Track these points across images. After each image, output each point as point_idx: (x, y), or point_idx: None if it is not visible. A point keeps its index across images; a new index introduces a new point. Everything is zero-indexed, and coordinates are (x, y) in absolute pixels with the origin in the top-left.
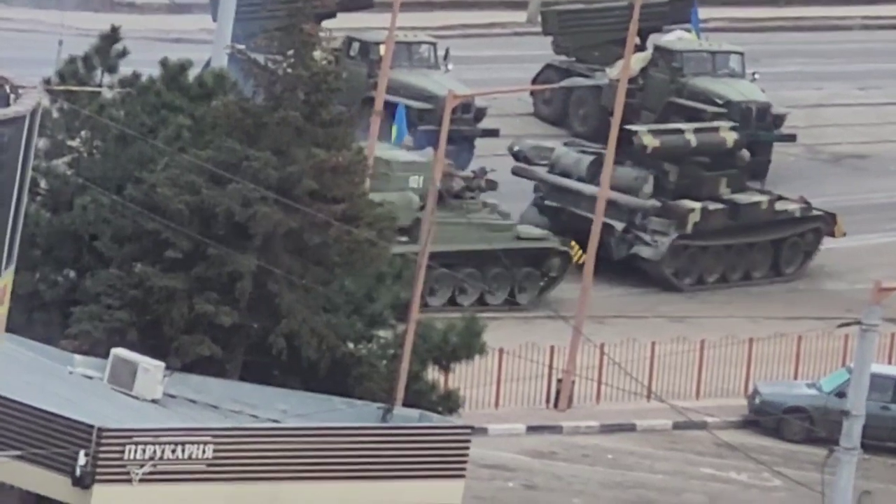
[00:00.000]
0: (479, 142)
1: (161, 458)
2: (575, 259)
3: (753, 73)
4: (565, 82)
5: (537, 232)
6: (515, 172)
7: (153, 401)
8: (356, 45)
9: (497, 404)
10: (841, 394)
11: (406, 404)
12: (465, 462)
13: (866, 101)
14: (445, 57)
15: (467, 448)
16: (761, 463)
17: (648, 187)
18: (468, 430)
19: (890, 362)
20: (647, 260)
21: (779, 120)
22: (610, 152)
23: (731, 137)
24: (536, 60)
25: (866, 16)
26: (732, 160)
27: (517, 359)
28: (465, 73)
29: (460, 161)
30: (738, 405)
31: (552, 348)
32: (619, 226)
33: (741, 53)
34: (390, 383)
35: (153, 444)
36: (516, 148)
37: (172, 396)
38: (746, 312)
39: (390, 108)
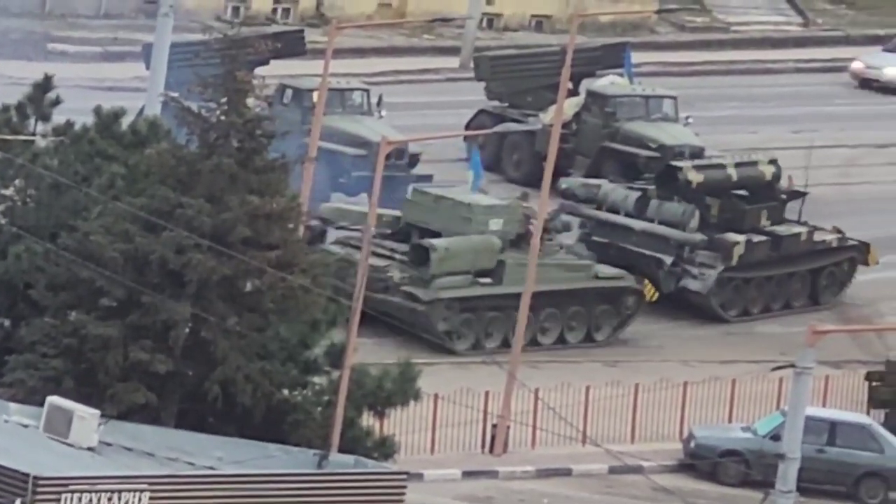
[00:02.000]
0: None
1: None
2: (648, 297)
3: (687, 118)
4: (498, 128)
5: (613, 271)
6: (565, 210)
7: (89, 448)
8: (289, 92)
9: (432, 450)
10: (776, 437)
11: (341, 450)
12: None
13: (800, 145)
14: (378, 103)
15: (403, 494)
16: None
17: (695, 221)
18: (404, 476)
19: (825, 405)
20: (696, 293)
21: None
22: (544, 196)
23: (769, 171)
24: (469, 106)
25: (799, 59)
26: (771, 193)
27: (452, 404)
28: (399, 118)
29: (392, 207)
30: (673, 449)
31: (487, 393)
32: (667, 260)
33: (674, 98)
34: (325, 430)
35: (89, 491)
36: (564, 185)
37: (108, 444)
38: (680, 356)
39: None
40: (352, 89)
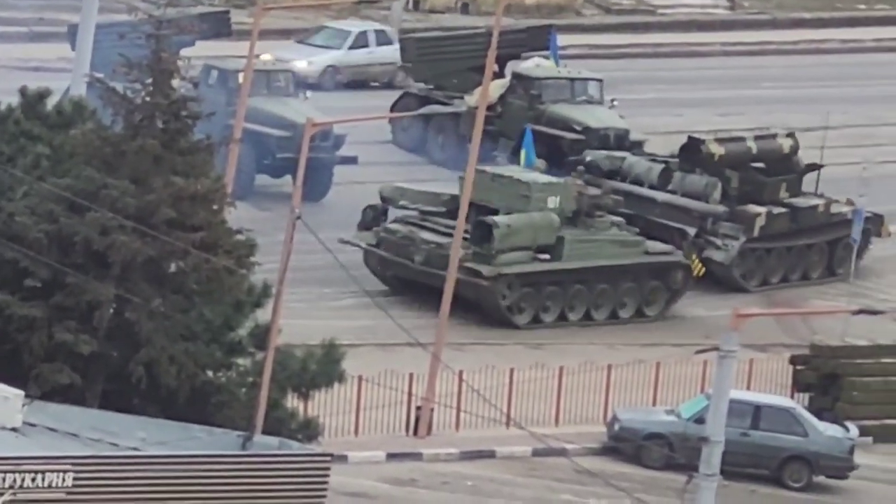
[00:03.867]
0: (337, 169)
1: (21, 487)
2: (696, 272)
3: (612, 100)
4: (423, 110)
5: (663, 247)
6: (589, 183)
7: (12, 429)
8: (215, 74)
9: (357, 432)
10: (700, 420)
11: (265, 432)
12: (324, 490)
13: (727, 128)
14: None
15: (327, 476)
16: (621, 490)
17: (718, 193)
18: (328, 458)
19: (749, 388)
20: (719, 263)
21: (637, 146)
22: (469, 178)
23: (787, 144)
24: (395, 88)
25: (725, 42)
26: (789, 165)
27: (376, 386)
28: (324, 100)
29: (318, 189)
30: (597, 432)
31: (411, 376)
32: (691, 231)
33: (600, 80)
34: (250, 411)
35: (13, 472)
36: (588, 158)
37: (32, 425)
38: (605, 339)
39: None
40: (277, 71)
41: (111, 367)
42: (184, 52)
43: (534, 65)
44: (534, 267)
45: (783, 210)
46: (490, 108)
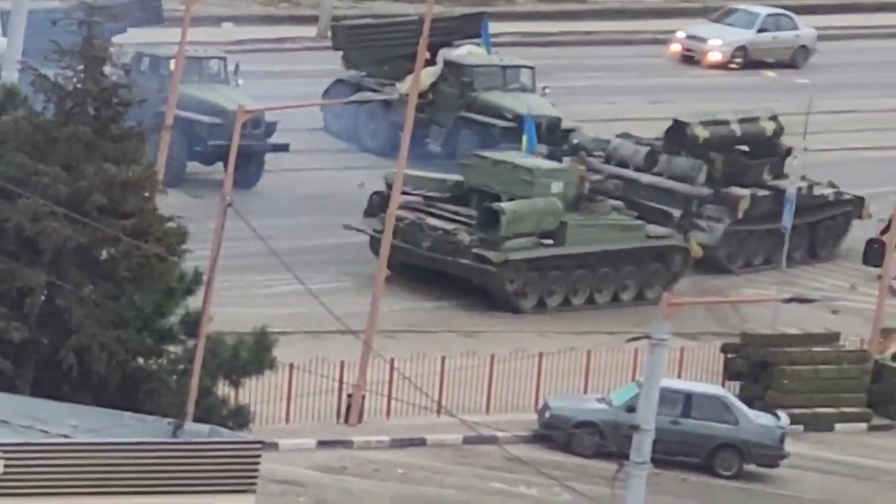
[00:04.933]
0: (268, 156)
1: None
2: (694, 254)
3: (544, 88)
4: (355, 97)
5: (663, 230)
6: (589, 168)
7: None
8: (147, 60)
9: (288, 419)
10: (631, 408)
11: (196, 420)
12: (255, 477)
13: (658, 116)
14: (235, 72)
15: (258, 463)
16: (552, 478)
17: (702, 176)
18: (259, 445)
19: (680, 377)
20: (704, 245)
21: (566, 134)
22: (401, 165)
23: (770, 127)
24: (327, 75)
25: (657, 30)
26: (772, 148)
27: (307, 374)
28: (256, 87)
29: (249, 176)
30: (528, 420)
31: (342, 363)
32: (676, 213)
33: (532, 68)
34: (181, 398)
35: None
36: (576, 140)
37: None
38: (536, 327)
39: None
40: (209, 58)
41: (42, 355)
42: (116, 38)
43: (466, 52)
44: (539, 252)
45: (767, 192)
46: (422, 95)
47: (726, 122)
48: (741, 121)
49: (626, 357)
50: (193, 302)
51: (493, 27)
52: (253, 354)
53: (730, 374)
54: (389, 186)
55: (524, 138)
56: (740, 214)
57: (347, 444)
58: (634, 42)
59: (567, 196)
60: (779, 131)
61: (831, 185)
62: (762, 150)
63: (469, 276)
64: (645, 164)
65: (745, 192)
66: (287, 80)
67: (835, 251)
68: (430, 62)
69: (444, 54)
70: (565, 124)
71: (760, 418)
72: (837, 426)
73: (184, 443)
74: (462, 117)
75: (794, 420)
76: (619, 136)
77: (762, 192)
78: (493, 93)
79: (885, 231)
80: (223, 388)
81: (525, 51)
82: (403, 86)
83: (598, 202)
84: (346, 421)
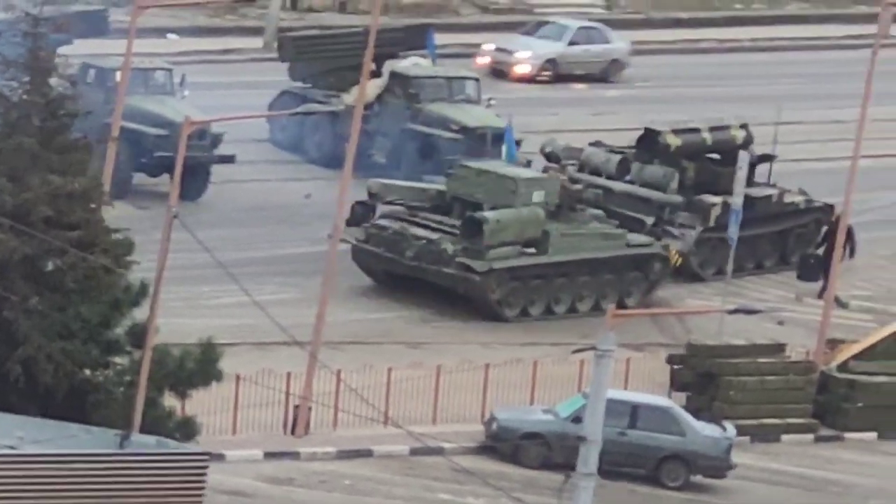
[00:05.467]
0: (214, 168)
1: None
2: (673, 262)
3: (489, 99)
4: (301, 109)
5: (643, 238)
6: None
7: None
8: (92, 72)
9: (234, 431)
10: (577, 419)
11: (143, 431)
12: (202, 488)
13: (601, 127)
14: (181, 83)
15: (205, 474)
16: (499, 489)
17: (675, 184)
18: (205, 457)
19: (626, 388)
20: (680, 252)
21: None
22: (346, 177)
23: (740, 135)
24: (273, 86)
25: None
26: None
27: (254, 385)
28: (202, 99)
29: (195, 187)
30: (475, 431)
31: (289, 374)
32: (649, 220)
33: (477, 79)
34: (127, 410)
35: None
36: (548, 149)
37: None
38: (481, 338)
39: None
40: (155, 69)
41: None
42: (61, 50)
43: (411, 64)
44: (522, 261)
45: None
46: (367, 106)
47: (697, 131)
48: (712, 129)
49: (573, 368)
50: (140, 313)
51: (439, 38)
52: (199, 366)
53: (676, 385)
54: (372, 196)
55: (503, 148)
56: (712, 222)
57: (294, 456)
58: None
59: (549, 205)
60: (749, 140)
61: (801, 192)
62: (733, 157)
63: (453, 285)
64: (617, 172)
65: (717, 199)
66: (233, 91)
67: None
68: (376, 74)
69: (389, 66)
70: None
71: (707, 429)
72: (784, 437)
73: (131, 454)
74: (408, 129)
75: (741, 431)
76: (591, 144)
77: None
78: (438, 104)
79: (820, 245)
80: (170, 400)
81: (470, 62)
82: (349, 97)
83: (579, 211)
84: (293, 432)
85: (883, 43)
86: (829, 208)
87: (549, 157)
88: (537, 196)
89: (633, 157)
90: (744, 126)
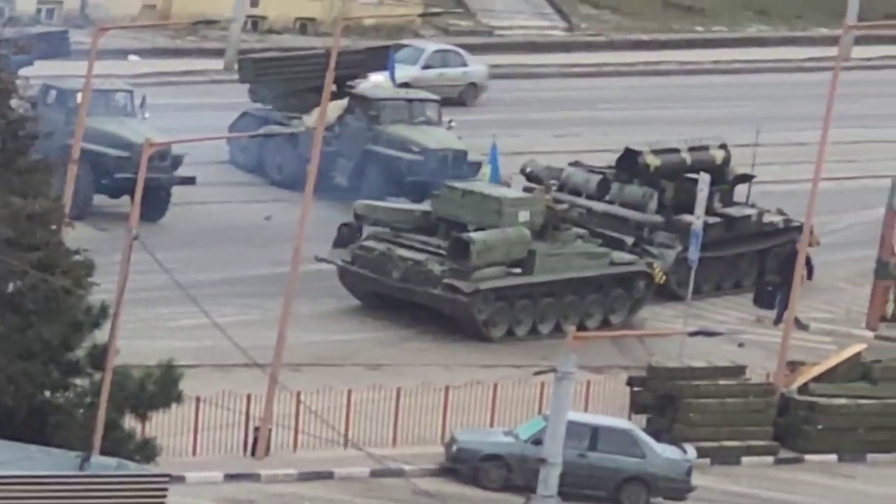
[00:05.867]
0: (175, 189)
1: None
2: (657, 279)
3: (450, 121)
4: (262, 130)
5: (627, 257)
6: (528, 192)
7: None
8: (53, 93)
9: (194, 453)
10: (538, 441)
11: (103, 453)
12: None
13: (563, 149)
14: (142, 104)
15: (164, 496)
16: None
17: (654, 203)
18: (165, 479)
19: (587, 410)
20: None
21: (474, 167)
22: (307, 199)
23: (719, 155)
24: (233, 108)
25: (563, 63)
26: (721, 176)
27: (214, 407)
28: (162, 120)
29: (156, 209)
30: (435, 453)
31: (249, 396)
32: (628, 240)
33: (437, 101)
34: (87, 431)
35: None
36: (528, 169)
37: None
38: (442, 360)
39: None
40: (116, 91)
41: None
42: (22, 71)
43: (372, 85)
44: (509, 281)
45: (717, 220)
46: (328, 128)
47: (677, 151)
48: (691, 149)
49: (533, 390)
50: (100, 335)
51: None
52: (159, 387)
53: (636, 407)
54: (358, 217)
55: (488, 168)
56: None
57: (254, 478)
58: (539, 75)
59: (534, 225)
60: (727, 159)
61: (780, 212)
62: (712, 177)
63: (440, 306)
64: (597, 192)
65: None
66: (194, 112)
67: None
68: (337, 95)
69: (350, 87)
70: (471, 157)
71: (667, 451)
72: (744, 459)
73: (91, 476)
74: (368, 150)
75: (701, 453)
76: (571, 164)
77: (713, 220)
78: (399, 126)
79: (779, 270)
80: (130, 422)
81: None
82: (310, 119)
83: (564, 230)
84: (253, 454)
85: (844, 65)
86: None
87: (531, 177)
88: (522, 216)
89: (613, 178)
90: (723, 146)
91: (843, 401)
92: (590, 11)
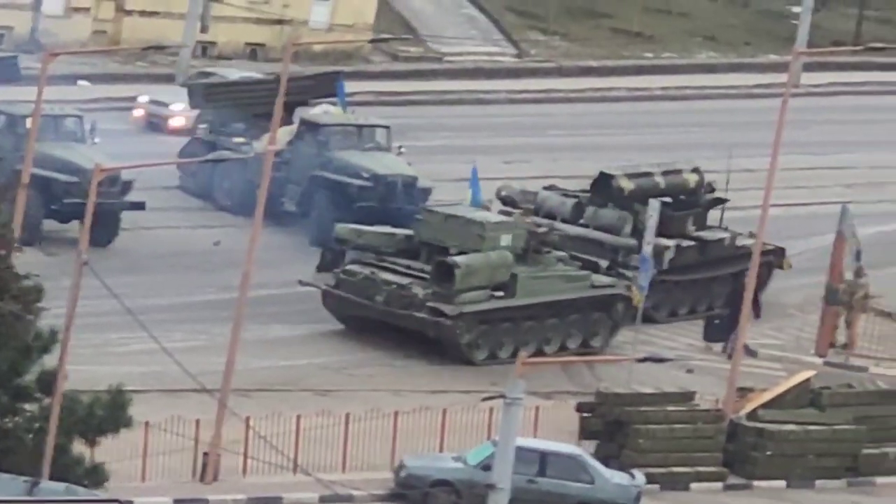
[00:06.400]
0: (125, 214)
1: None
2: (635, 302)
3: (399, 147)
4: (211, 156)
5: (606, 279)
6: (506, 215)
7: None
8: (2, 118)
9: (143, 478)
10: (486, 467)
11: (52, 478)
12: None
13: (513, 175)
14: (92, 130)
15: None
16: None
17: (629, 227)
18: None
19: (535, 436)
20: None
21: (424, 193)
22: (257, 224)
23: (692, 179)
24: (183, 134)
25: (512, 90)
26: (694, 200)
27: (163, 432)
28: (112, 146)
29: (105, 234)
30: (384, 478)
31: (198, 422)
32: (603, 263)
33: (387, 127)
34: (37, 457)
35: None
36: (503, 193)
37: None
38: (391, 385)
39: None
40: (65, 116)
41: None
42: None
43: (321, 111)
44: (492, 304)
45: (691, 243)
46: (278, 154)
47: (650, 175)
48: (664, 173)
49: (482, 416)
50: (49, 360)
51: (349, 86)
52: (109, 413)
53: (585, 433)
54: (341, 241)
55: (469, 192)
56: (665, 265)
57: (203, 503)
58: (489, 101)
59: (516, 249)
60: (700, 183)
61: (752, 235)
62: (685, 201)
63: (424, 329)
64: (572, 215)
65: (671, 242)
66: (143, 138)
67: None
68: (287, 121)
69: (300, 113)
70: (421, 183)
71: (616, 477)
72: (693, 485)
73: (40, 501)
74: (318, 176)
75: (650, 479)
76: (545, 188)
77: (686, 243)
78: (348, 152)
79: (727, 304)
80: (79, 447)
81: (380, 110)
82: (259, 144)
83: (545, 254)
84: (202, 479)
85: (793, 92)
86: (781, 251)
87: (505, 200)
88: (505, 240)
89: (588, 201)
90: (696, 170)
91: (791, 427)
92: (539, 38)
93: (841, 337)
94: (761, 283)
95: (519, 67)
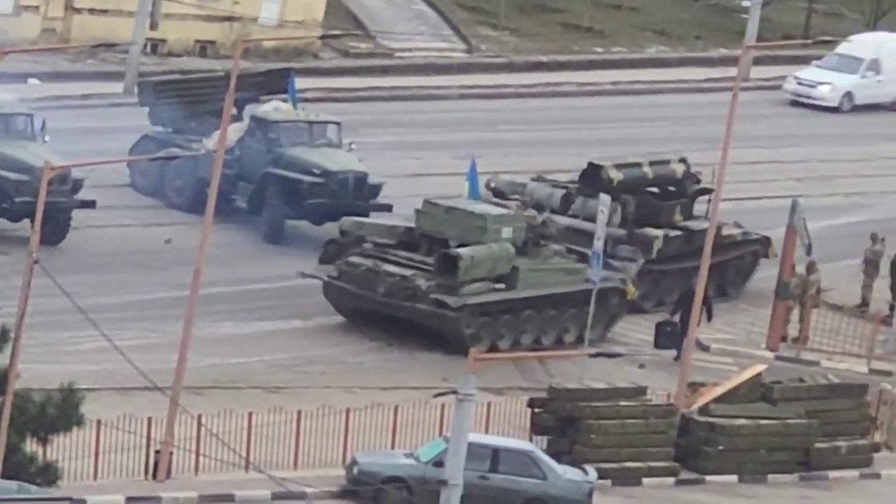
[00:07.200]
0: (75, 213)
1: None
2: (630, 295)
3: (350, 143)
4: (162, 153)
5: (603, 273)
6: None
7: None
8: None
9: (96, 476)
10: (439, 463)
11: (4, 476)
12: None
13: (463, 171)
14: (42, 128)
15: None
16: None
17: (617, 217)
18: (67, 502)
19: (487, 432)
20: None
21: (375, 189)
22: (207, 221)
23: (679, 169)
24: (133, 131)
25: (462, 85)
26: (682, 190)
27: (115, 430)
28: (62, 144)
29: (56, 232)
30: (336, 475)
31: (150, 420)
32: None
33: (338, 123)
34: None
35: None
36: (493, 184)
37: None
38: (342, 382)
39: None
40: (15, 114)
41: None
42: None
43: (272, 108)
44: (495, 297)
45: (679, 233)
46: (228, 151)
47: (638, 165)
48: (652, 163)
49: (434, 412)
50: (1, 359)
51: (300, 83)
52: (60, 411)
53: (537, 428)
54: (344, 234)
55: (466, 185)
56: (654, 254)
57: (156, 501)
58: (439, 97)
59: (516, 241)
60: (688, 173)
61: (738, 225)
62: (673, 191)
63: (427, 321)
64: (560, 206)
65: (659, 232)
66: (94, 136)
67: (743, 289)
68: (237, 118)
69: (250, 110)
70: (372, 179)
71: (568, 473)
72: (645, 480)
73: None
74: (269, 173)
75: (602, 474)
76: (534, 179)
77: (674, 233)
78: (299, 148)
79: (675, 312)
80: (31, 445)
81: (331, 106)
82: (210, 142)
83: (543, 246)
84: (154, 477)
85: (743, 86)
86: (767, 240)
87: (495, 192)
88: (506, 232)
89: (576, 192)
90: (683, 160)
91: (743, 421)
92: (489, 33)
93: (793, 331)
94: (748, 271)
95: (469, 63)
